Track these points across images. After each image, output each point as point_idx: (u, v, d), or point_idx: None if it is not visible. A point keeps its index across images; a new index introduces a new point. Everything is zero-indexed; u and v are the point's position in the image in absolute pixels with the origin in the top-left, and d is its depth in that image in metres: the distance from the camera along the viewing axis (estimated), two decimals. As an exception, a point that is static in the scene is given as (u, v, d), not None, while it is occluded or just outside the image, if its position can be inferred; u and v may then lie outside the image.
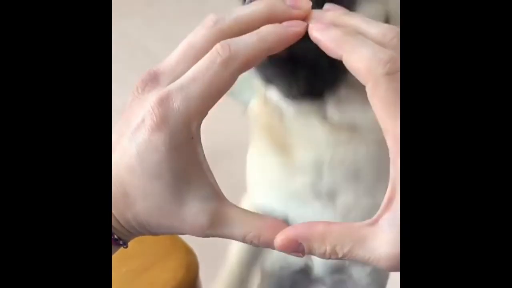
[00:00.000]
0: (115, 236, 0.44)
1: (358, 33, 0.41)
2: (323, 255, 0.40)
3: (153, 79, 0.42)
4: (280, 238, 0.41)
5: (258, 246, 0.43)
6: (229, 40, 0.42)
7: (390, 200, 0.38)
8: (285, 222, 0.42)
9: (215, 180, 0.43)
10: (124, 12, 3.14)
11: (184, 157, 0.41)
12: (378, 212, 0.39)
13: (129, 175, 0.41)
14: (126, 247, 0.46)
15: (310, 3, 0.45)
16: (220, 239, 0.44)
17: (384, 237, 0.38)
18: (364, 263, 0.39)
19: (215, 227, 0.42)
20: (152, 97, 0.41)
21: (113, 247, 0.45)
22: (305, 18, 0.45)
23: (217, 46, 0.41)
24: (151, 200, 0.41)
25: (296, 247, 0.41)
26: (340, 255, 0.39)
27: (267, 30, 0.43)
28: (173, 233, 0.44)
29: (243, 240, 0.42)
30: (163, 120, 0.39)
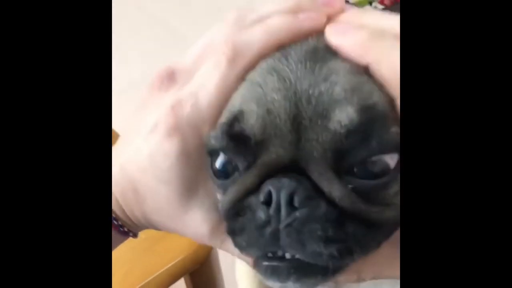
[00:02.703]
0: (125, 229, 0.46)
1: (385, 35, 0.36)
2: (350, 282, 0.41)
3: (170, 77, 0.42)
4: None
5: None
6: (235, 36, 0.40)
7: None
8: None
9: None
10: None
11: (194, 164, 0.40)
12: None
13: (140, 174, 0.41)
14: (136, 237, 0.48)
15: (343, 1, 0.41)
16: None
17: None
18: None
19: (214, 239, 0.42)
20: (167, 100, 0.40)
21: (123, 238, 0.47)
22: (333, 17, 0.40)
23: (222, 44, 0.39)
24: (159, 202, 0.41)
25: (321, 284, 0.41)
26: (367, 279, 0.41)
27: (277, 23, 0.40)
28: (177, 233, 0.44)
29: (238, 256, 0.42)
30: (174, 128, 0.39)
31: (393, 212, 0.38)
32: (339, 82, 0.37)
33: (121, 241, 0.48)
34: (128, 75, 1.91)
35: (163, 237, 0.90)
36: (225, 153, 0.40)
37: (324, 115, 0.37)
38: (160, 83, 0.42)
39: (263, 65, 0.40)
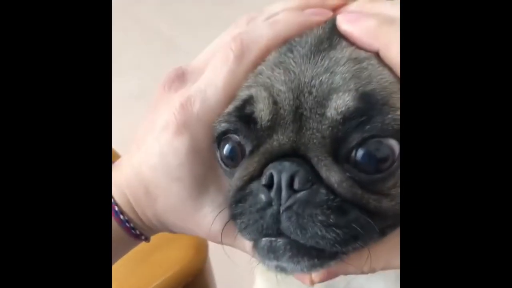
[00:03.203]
0: (137, 232, 0.46)
1: (393, 22, 0.38)
2: (361, 273, 0.41)
3: (180, 78, 0.43)
4: (315, 275, 0.41)
5: None
6: (243, 32, 0.41)
7: None
8: None
9: None
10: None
11: (204, 162, 0.41)
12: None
13: (151, 174, 0.42)
14: (148, 241, 0.47)
15: None
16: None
17: None
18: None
19: (227, 236, 0.42)
20: (176, 99, 0.41)
21: (135, 241, 0.47)
22: (340, 6, 0.42)
23: (230, 41, 0.40)
24: (171, 200, 0.42)
25: (333, 277, 0.42)
26: (378, 270, 0.40)
27: (284, 18, 0.41)
28: (189, 234, 0.44)
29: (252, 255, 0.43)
30: (184, 126, 0.40)
31: (390, 202, 0.39)
32: (339, 71, 0.39)
33: (134, 245, 0.48)
34: (123, 86, 1.91)
35: (157, 249, 0.90)
36: (235, 133, 0.41)
37: (323, 104, 0.39)
38: (171, 83, 0.43)
39: (271, 58, 0.41)
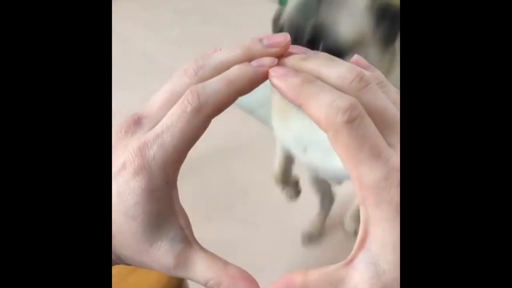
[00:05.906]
0: None
1: (317, 79, 0.42)
2: None
3: (136, 123, 0.45)
4: None
5: None
6: (199, 86, 0.44)
7: (363, 240, 0.40)
8: (248, 273, 0.43)
9: (188, 223, 0.46)
10: (121, 16, 3.16)
11: (159, 200, 0.43)
12: (352, 253, 0.40)
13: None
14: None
15: (288, 38, 0.46)
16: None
17: (360, 277, 0.39)
18: None
19: (180, 269, 0.44)
20: (133, 143, 0.44)
21: None
22: (283, 54, 0.46)
23: (188, 94, 0.43)
24: (126, 237, 0.44)
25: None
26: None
27: (236, 74, 0.45)
28: (147, 268, 0.46)
29: (205, 285, 0.44)
30: (140, 167, 0.42)
31: None
32: None
33: None
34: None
35: (134, 271, 0.90)
36: None
37: None
38: (128, 127, 0.45)
39: None
